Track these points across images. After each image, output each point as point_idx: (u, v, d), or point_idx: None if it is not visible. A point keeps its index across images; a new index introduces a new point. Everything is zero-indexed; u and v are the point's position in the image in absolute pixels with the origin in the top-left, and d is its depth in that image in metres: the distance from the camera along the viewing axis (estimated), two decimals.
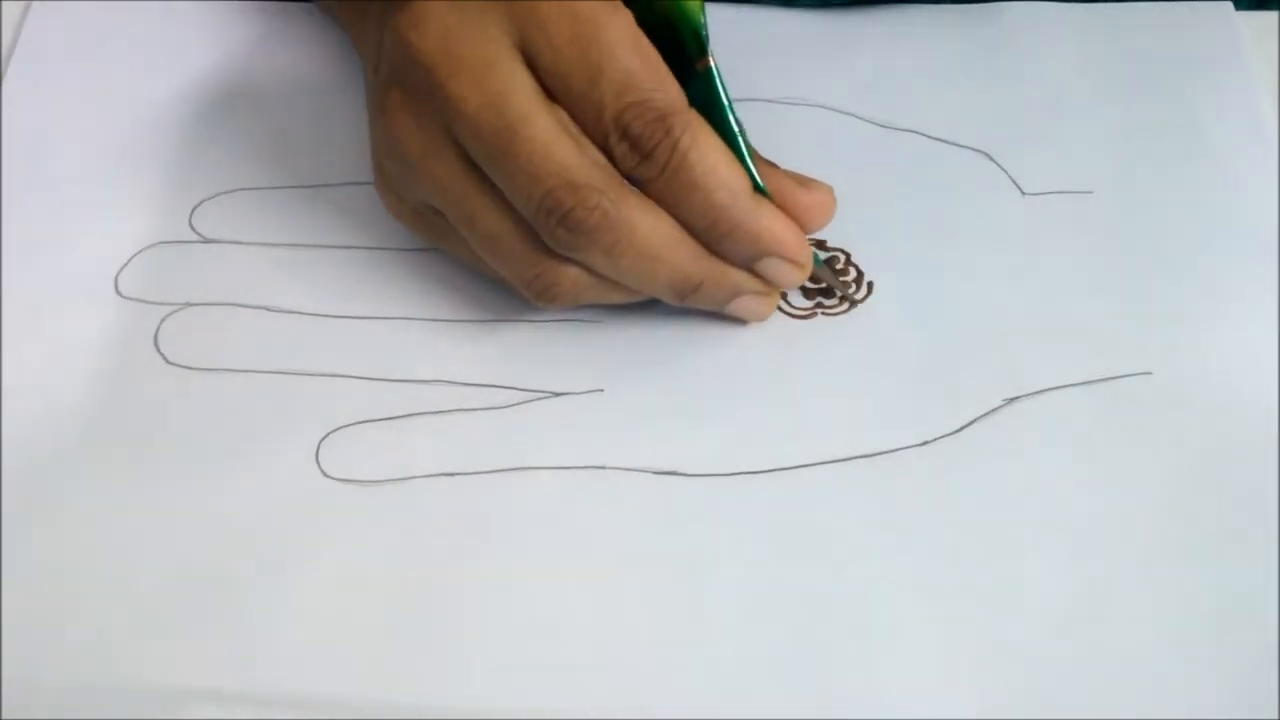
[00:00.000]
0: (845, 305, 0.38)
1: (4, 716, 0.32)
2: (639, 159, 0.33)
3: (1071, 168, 0.41)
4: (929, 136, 0.42)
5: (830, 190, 0.36)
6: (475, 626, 0.33)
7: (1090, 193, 0.41)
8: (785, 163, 0.38)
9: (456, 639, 0.33)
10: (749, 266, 0.36)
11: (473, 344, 0.38)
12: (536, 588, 0.34)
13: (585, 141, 0.33)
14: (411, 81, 0.34)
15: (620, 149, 0.33)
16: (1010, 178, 0.41)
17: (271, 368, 0.38)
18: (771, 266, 0.35)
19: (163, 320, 0.39)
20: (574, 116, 0.33)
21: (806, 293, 0.39)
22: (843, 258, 0.39)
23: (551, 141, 0.33)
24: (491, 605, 0.34)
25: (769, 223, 0.35)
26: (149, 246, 0.40)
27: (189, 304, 0.39)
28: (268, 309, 0.39)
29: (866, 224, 0.40)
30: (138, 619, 0.34)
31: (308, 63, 0.44)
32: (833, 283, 0.39)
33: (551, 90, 0.33)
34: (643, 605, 0.34)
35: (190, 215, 0.41)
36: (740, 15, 0.44)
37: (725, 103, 0.34)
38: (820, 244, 0.40)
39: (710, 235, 0.35)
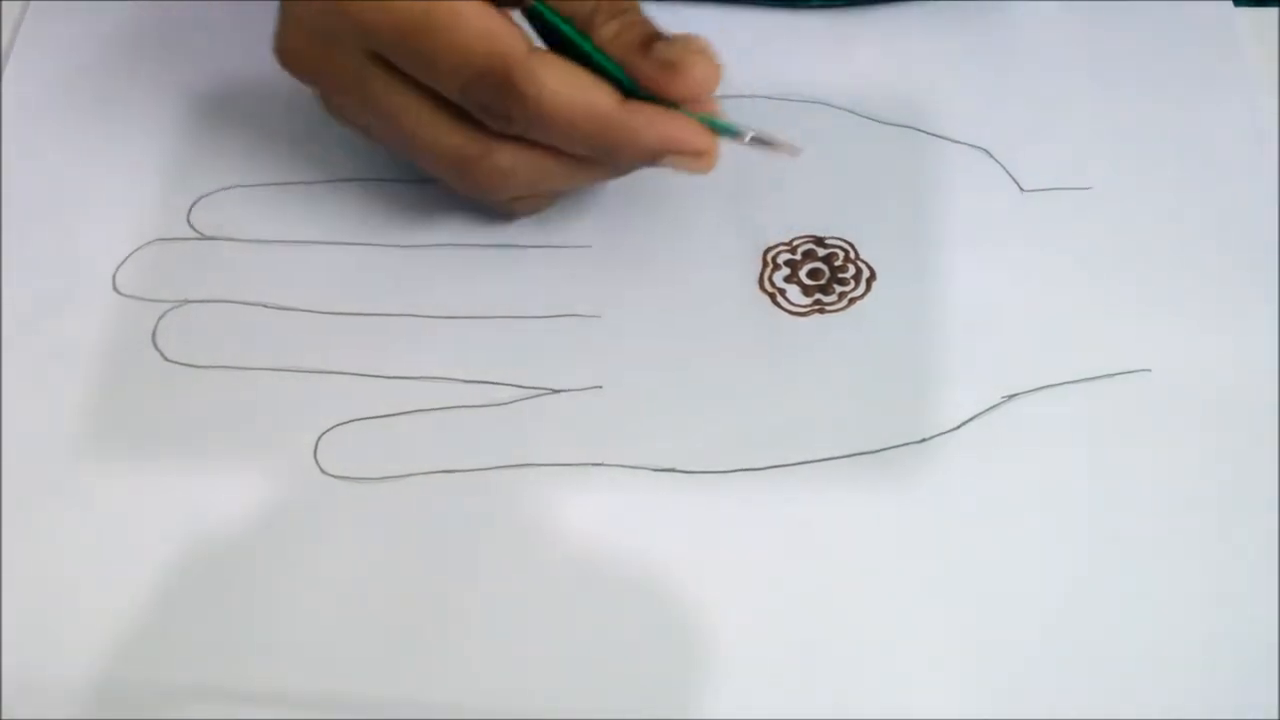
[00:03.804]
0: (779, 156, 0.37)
1: (4, 716, 0.32)
2: (502, 122, 0.34)
3: (1070, 165, 0.41)
4: (928, 133, 0.42)
5: (704, 53, 0.34)
6: (473, 624, 0.33)
7: (1089, 189, 0.41)
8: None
9: (455, 636, 0.33)
10: (654, 166, 0.35)
11: (471, 340, 0.38)
12: (535, 585, 0.34)
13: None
14: (310, 19, 0.35)
15: (484, 117, 0.34)
16: (1009, 174, 0.41)
17: (269, 364, 0.38)
18: (675, 162, 0.35)
19: (161, 317, 0.39)
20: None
21: (805, 290, 0.39)
22: (841, 254, 0.39)
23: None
24: (489, 602, 0.34)
25: (646, 130, 0.34)
26: (147, 244, 0.40)
27: (187, 301, 0.39)
28: (265, 306, 0.39)
29: (865, 220, 0.40)
30: (137, 618, 0.34)
31: None
32: (764, 143, 0.36)
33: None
34: (641, 602, 0.34)
35: (188, 212, 0.41)
36: (741, 16, 0.44)
37: (560, 25, 0.35)
38: (820, 240, 0.40)
39: (599, 157, 0.35)
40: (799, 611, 0.33)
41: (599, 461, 0.36)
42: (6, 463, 0.36)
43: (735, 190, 0.40)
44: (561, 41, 0.35)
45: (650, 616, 0.34)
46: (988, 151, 0.41)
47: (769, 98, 0.41)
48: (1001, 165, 0.41)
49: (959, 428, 0.36)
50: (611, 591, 0.34)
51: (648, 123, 0.34)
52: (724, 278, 0.39)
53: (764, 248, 0.40)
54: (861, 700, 0.32)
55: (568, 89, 0.34)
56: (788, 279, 0.39)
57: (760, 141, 0.36)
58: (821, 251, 0.40)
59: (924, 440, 0.36)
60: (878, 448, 0.36)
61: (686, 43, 0.34)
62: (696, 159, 0.35)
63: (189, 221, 0.41)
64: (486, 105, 0.34)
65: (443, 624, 0.33)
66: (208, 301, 0.39)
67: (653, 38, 0.35)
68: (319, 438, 0.36)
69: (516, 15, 0.35)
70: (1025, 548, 0.34)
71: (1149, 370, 0.37)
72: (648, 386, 0.37)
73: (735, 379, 0.37)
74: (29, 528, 0.35)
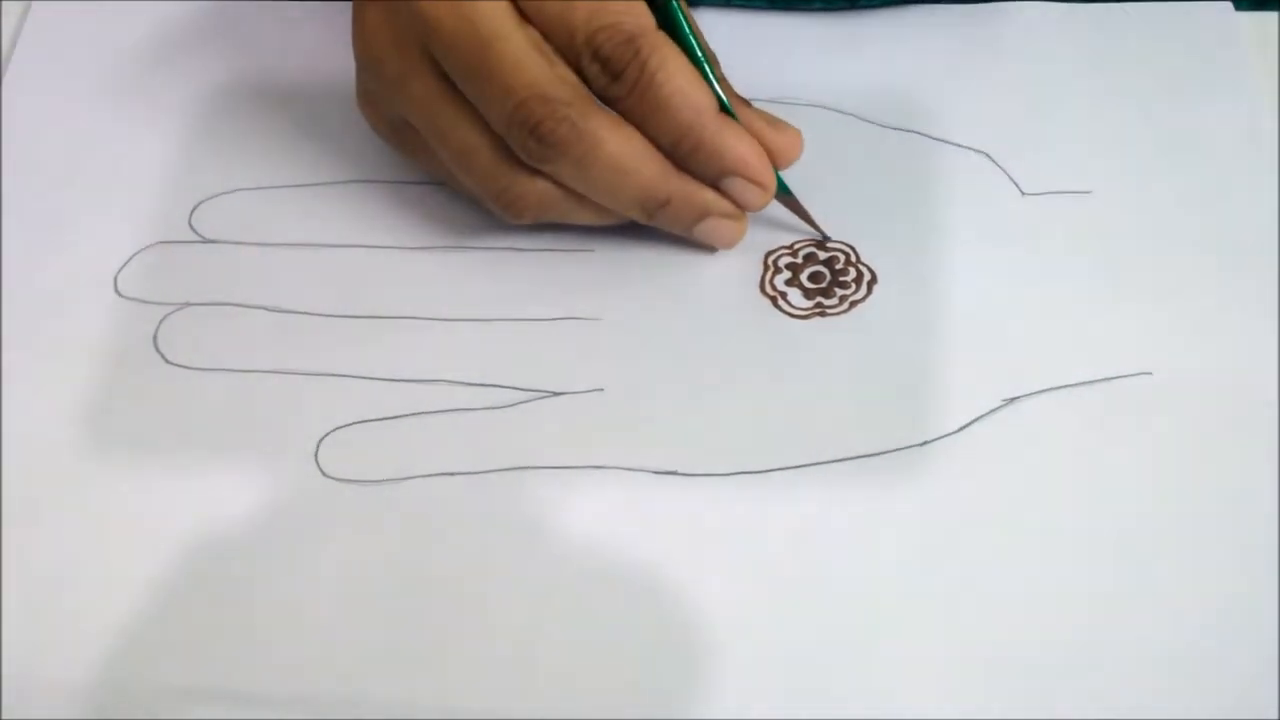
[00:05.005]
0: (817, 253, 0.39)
1: (4, 717, 0.32)
2: (609, 79, 0.35)
3: (1071, 168, 0.41)
4: (929, 137, 0.42)
5: (799, 132, 0.38)
6: (474, 626, 0.33)
7: (1090, 193, 0.41)
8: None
9: (456, 639, 0.33)
10: (715, 185, 0.37)
11: (473, 343, 0.38)
12: (536, 587, 0.34)
13: (556, 59, 0.35)
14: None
15: (592, 69, 0.35)
16: (1010, 178, 0.41)
17: (271, 367, 0.38)
18: (735, 186, 0.37)
19: (162, 320, 0.39)
20: (547, 37, 0.35)
21: (806, 293, 0.39)
22: (842, 258, 0.39)
23: (524, 57, 0.34)
24: (490, 604, 0.34)
25: (733, 142, 0.36)
26: (148, 246, 0.40)
27: (188, 304, 0.39)
28: (267, 309, 0.39)
29: (866, 224, 0.40)
30: (138, 619, 0.34)
31: (307, 63, 0.44)
32: (801, 215, 0.39)
33: (526, 11, 0.35)
34: (642, 605, 0.34)
35: (189, 215, 0.41)
36: (741, 19, 0.45)
37: (687, 29, 0.36)
38: (822, 244, 0.40)
39: (676, 152, 0.36)
40: (800, 614, 0.33)
41: (600, 464, 0.36)
42: (7, 464, 0.36)
43: None
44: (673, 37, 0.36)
45: (651, 619, 0.33)
46: (988, 155, 0.41)
47: (771, 101, 0.41)
48: (1002, 169, 0.41)
49: (960, 431, 0.36)
50: (612, 594, 0.34)
51: (735, 136, 0.36)
52: (725, 281, 0.39)
53: (765, 251, 0.40)
54: (861, 703, 0.32)
55: (684, 73, 0.35)
56: (789, 282, 0.39)
57: (797, 209, 0.39)
58: (822, 255, 0.40)
59: (925, 443, 0.36)
60: (878, 451, 0.36)
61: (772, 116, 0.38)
62: (755, 189, 0.37)
63: (190, 224, 0.41)
64: (526, 148, 0.35)
65: (443, 626, 0.33)
66: (209, 304, 0.39)
67: (745, 100, 0.38)
68: (320, 440, 0.36)
69: None
70: (1026, 551, 0.34)
71: (1150, 373, 0.37)
72: (649, 389, 0.37)
73: (736, 382, 0.37)
74: (29, 529, 0.35)
